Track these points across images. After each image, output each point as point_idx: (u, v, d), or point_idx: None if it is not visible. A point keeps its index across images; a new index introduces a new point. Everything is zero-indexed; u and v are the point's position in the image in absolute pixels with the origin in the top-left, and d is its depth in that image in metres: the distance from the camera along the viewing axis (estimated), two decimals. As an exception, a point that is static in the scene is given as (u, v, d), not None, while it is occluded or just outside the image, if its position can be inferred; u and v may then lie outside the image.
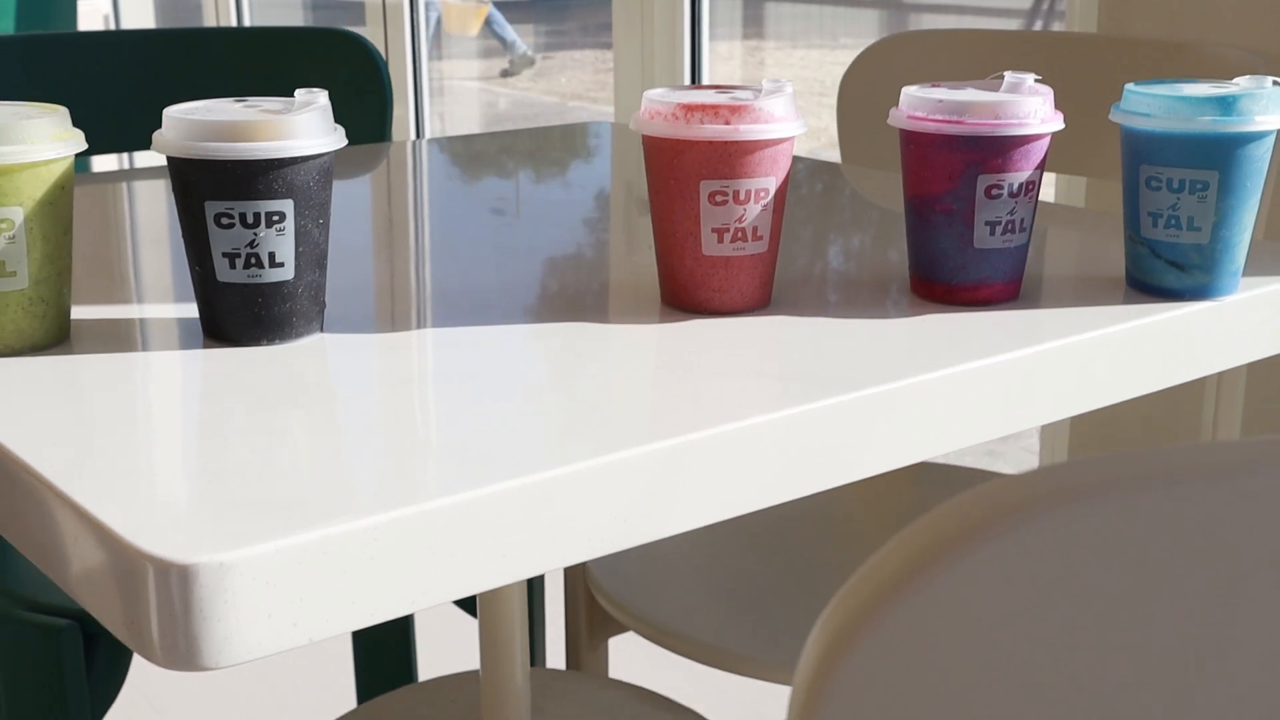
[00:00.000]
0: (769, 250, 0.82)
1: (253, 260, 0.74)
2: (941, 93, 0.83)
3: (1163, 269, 0.85)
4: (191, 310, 0.79)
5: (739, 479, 0.66)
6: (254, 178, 0.72)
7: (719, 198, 0.79)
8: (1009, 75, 0.84)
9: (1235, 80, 0.85)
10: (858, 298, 0.86)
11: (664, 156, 0.80)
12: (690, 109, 0.78)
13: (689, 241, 0.80)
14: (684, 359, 0.75)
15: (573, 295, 0.89)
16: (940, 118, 0.81)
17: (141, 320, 0.81)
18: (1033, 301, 0.85)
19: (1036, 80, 0.84)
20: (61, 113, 0.75)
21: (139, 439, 0.64)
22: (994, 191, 0.81)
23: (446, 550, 0.57)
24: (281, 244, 0.74)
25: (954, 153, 0.81)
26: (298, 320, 0.76)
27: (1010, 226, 0.82)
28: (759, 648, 1.09)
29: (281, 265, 0.74)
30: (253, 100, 0.77)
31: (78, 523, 0.55)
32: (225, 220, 0.73)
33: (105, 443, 0.63)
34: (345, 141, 0.76)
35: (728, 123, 0.78)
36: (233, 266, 0.74)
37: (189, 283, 0.77)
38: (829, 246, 0.96)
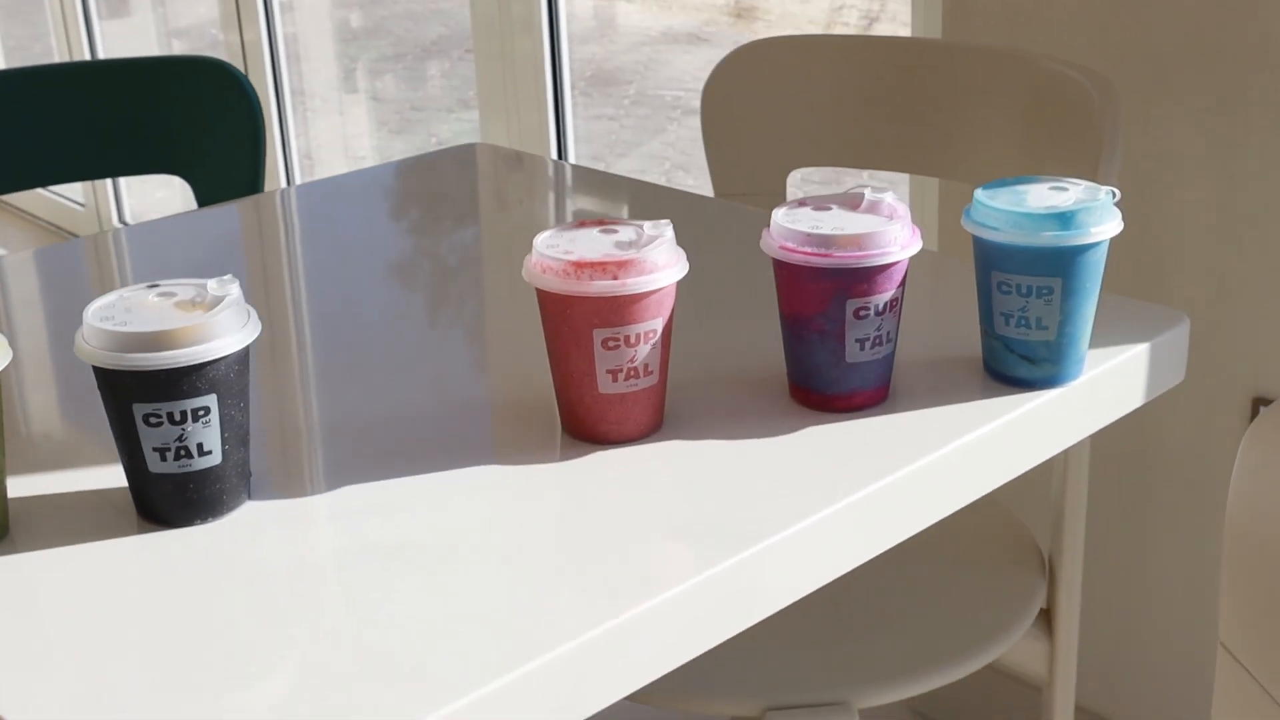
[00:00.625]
0: (659, 382, 0.88)
1: (182, 453, 0.79)
2: (808, 221, 0.89)
3: (1015, 362, 0.93)
4: (117, 478, 0.83)
5: (652, 647, 0.74)
6: (179, 381, 0.77)
7: (611, 343, 0.85)
8: (868, 194, 0.91)
9: (1069, 187, 0.93)
10: (740, 406, 0.93)
11: (557, 308, 0.86)
12: (580, 266, 0.84)
13: (585, 381, 0.87)
14: (592, 516, 0.81)
15: (475, 418, 0.95)
16: (809, 250, 0.87)
17: (74, 497, 0.85)
18: (902, 401, 0.93)
19: (894, 200, 0.90)
20: (-17, 325, 0.78)
21: (94, 674, 0.69)
22: (861, 313, 0.88)
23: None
24: (208, 434, 0.79)
25: (823, 281, 0.88)
26: (227, 497, 0.81)
27: (878, 340, 0.90)
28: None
29: (210, 453, 0.79)
30: (165, 286, 0.81)
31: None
32: (154, 420, 0.78)
33: (63, 681, 0.68)
34: (260, 328, 0.80)
35: (615, 278, 0.84)
36: (163, 459, 0.79)
37: (107, 437, 0.81)
38: (710, 345, 1.02)
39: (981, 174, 1.41)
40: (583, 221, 0.90)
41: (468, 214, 1.42)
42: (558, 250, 0.86)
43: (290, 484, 0.86)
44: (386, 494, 0.84)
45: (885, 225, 0.88)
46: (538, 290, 0.86)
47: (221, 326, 0.78)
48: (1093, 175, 1.27)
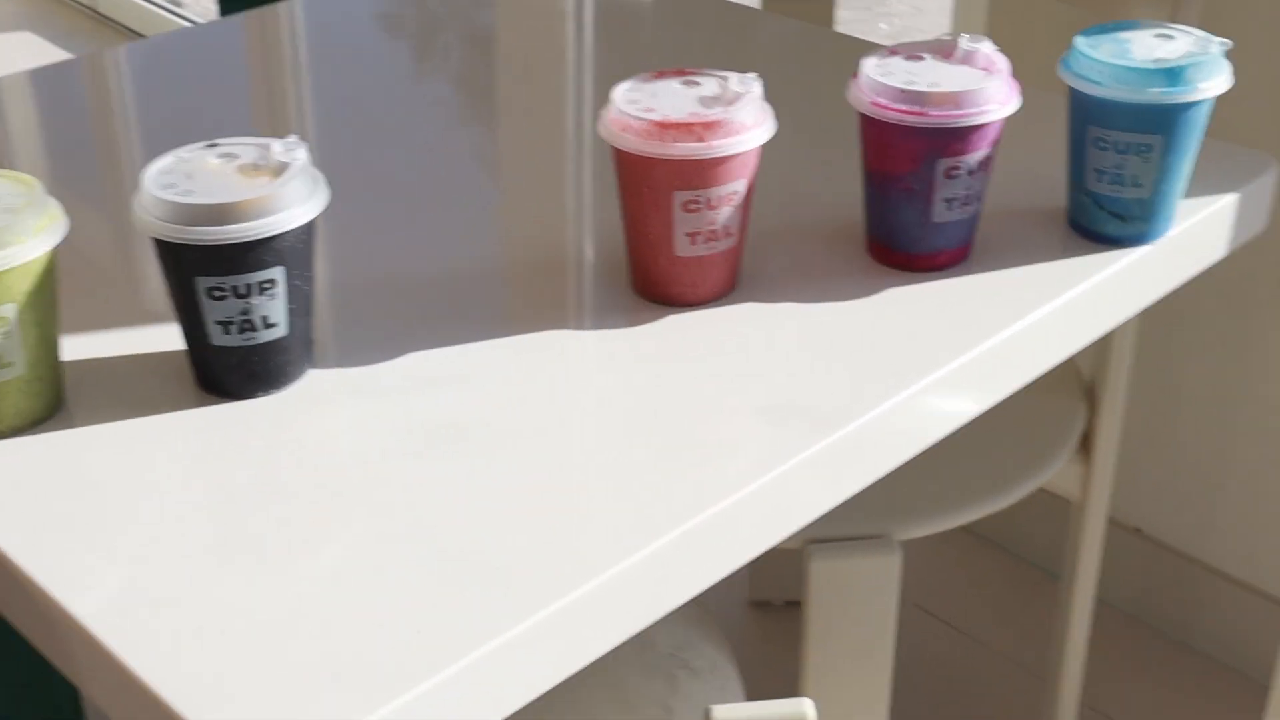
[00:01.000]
0: (738, 243, 0.84)
1: (246, 326, 0.74)
2: (901, 75, 0.83)
3: (1105, 219, 0.89)
4: (171, 341, 0.79)
5: (736, 538, 0.72)
6: (246, 254, 0.72)
7: (692, 206, 0.81)
8: (963, 43, 0.85)
9: (1176, 35, 0.87)
10: (816, 262, 0.89)
11: (637, 169, 0.81)
12: (664, 127, 0.78)
13: (662, 244, 0.82)
14: (671, 392, 0.77)
15: (539, 273, 0.90)
16: (903, 107, 0.82)
17: (130, 363, 0.81)
18: (986, 259, 0.89)
19: (990, 49, 0.85)
20: (37, 191, 0.73)
21: (149, 551, 0.66)
22: (953, 173, 0.84)
23: (490, 681, 0.62)
24: (274, 307, 0.75)
25: (916, 140, 0.83)
26: (291, 368, 0.78)
27: (967, 200, 0.85)
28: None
29: (274, 326, 0.75)
30: (225, 146, 0.76)
31: (113, 673, 0.60)
32: (218, 293, 0.73)
33: (117, 559, 0.65)
34: (328, 195, 0.75)
35: (701, 139, 0.78)
36: (226, 333, 0.75)
37: (152, 296, 0.77)
38: (780, 193, 0.97)
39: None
40: (662, 72, 0.84)
41: (491, 38, 1.35)
42: (638, 107, 0.80)
43: (352, 351, 0.82)
44: (447, 361, 0.80)
45: (983, 81, 0.83)
46: (615, 149, 0.81)
47: (290, 197, 0.73)
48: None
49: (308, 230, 0.74)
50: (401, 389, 0.78)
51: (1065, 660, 1.47)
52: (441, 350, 0.81)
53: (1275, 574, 1.57)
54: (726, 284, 0.85)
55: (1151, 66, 0.84)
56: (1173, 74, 0.84)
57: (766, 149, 0.82)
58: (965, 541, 1.83)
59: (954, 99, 0.82)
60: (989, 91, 0.82)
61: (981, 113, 0.82)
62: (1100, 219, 0.89)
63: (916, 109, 0.82)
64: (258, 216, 0.72)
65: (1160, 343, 1.58)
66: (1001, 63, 0.85)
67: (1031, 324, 0.84)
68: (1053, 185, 0.94)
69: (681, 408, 0.76)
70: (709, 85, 0.82)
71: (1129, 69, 0.84)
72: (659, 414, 0.76)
